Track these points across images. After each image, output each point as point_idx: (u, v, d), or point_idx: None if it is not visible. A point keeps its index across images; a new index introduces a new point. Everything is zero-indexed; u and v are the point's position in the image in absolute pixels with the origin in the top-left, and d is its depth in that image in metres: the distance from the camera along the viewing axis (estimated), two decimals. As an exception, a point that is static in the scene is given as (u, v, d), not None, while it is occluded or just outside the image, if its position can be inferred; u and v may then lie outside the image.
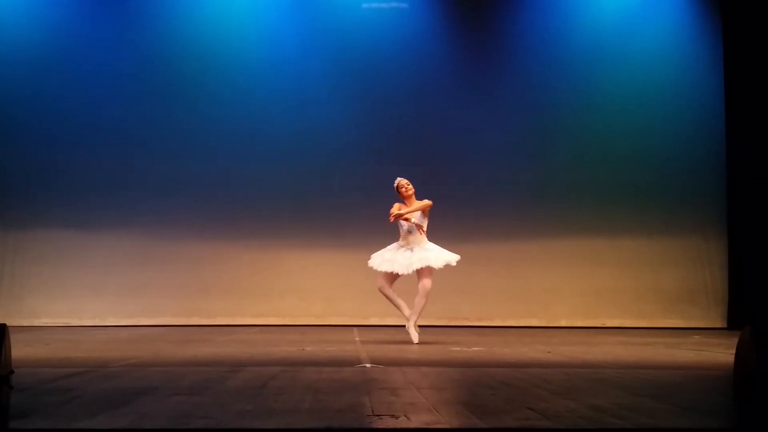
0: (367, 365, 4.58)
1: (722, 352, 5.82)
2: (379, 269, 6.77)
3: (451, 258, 6.72)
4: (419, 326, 6.88)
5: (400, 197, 7.00)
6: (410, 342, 6.66)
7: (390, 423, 2.61)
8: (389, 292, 6.85)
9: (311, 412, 2.82)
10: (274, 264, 10.24)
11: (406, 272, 6.68)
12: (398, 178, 7.02)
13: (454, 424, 2.63)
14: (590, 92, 10.51)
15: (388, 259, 6.76)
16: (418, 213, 6.83)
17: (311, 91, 10.39)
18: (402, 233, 6.90)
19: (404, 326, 6.86)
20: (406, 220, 6.81)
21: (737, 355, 2.75)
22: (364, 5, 10.53)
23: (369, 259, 6.98)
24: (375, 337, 7.59)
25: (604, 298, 10.24)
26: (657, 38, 10.54)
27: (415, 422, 2.63)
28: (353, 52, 10.44)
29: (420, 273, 6.72)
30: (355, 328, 9.17)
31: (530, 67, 10.53)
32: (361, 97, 10.38)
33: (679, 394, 3.49)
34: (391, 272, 6.71)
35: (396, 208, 6.87)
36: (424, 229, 6.84)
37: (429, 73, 10.48)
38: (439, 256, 6.70)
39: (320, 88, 10.39)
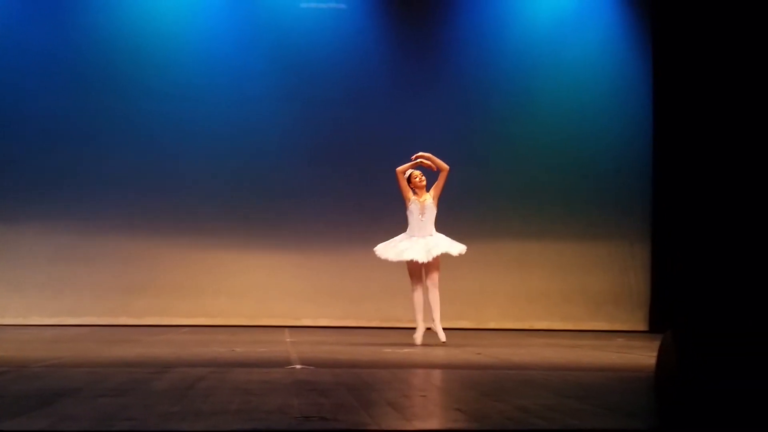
0: (298, 366, 4.56)
1: (644, 355, 5.98)
2: (399, 258, 6.69)
3: (462, 247, 6.78)
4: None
5: (412, 187, 6.96)
6: (414, 345, 6.72)
7: (319, 425, 2.60)
8: (420, 297, 6.77)
9: (239, 414, 2.79)
10: (205, 264, 10.10)
11: (426, 259, 6.63)
12: (412, 170, 7.00)
13: (383, 425, 2.64)
14: (522, 97, 10.67)
15: (406, 248, 6.69)
16: (431, 201, 6.86)
17: (247, 89, 10.28)
18: (414, 223, 6.83)
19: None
20: (428, 166, 6.81)
21: (659, 357, 2.84)
22: (302, 4, 10.48)
23: (373, 250, 6.94)
24: (306, 339, 7.56)
25: (533, 301, 10.42)
26: (589, 46, 10.78)
27: (344, 424, 2.62)
28: (291, 51, 10.37)
29: (430, 265, 6.70)
30: (286, 329, 9.11)
31: (465, 70, 10.64)
32: (297, 97, 10.32)
33: (603, 396, 3.57)
34: (418, 267, 6.67)
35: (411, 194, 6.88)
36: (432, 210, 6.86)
37: (366, 74, 10.49)
38: (453, 244, 6.75)
39: (257, 87, 10.29)
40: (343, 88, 10.39)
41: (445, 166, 6.93)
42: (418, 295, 6.81)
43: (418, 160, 6.95)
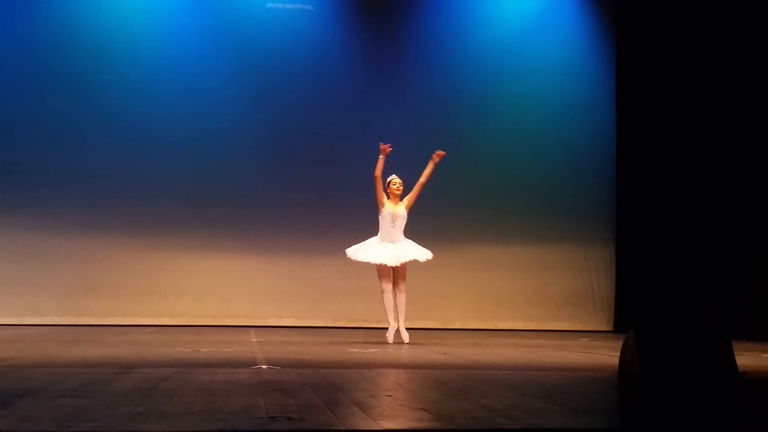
0: (263, 366, 4.53)
1: (607, 355, 6.06)
2: (369, 261, 6.92)
3: (429, 254, 7.06)
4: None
5: (388, 192, 7.16)
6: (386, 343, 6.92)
7: (284, 425, 2.59)
8: (390, 298, 6.99)
9: (203, 414, 2.76)
10: (169, 264, 10.01)
11: (395, 264, 6.90)
12: (394, 175, 7.19)
13: (349, 425, 2.63)
14: (486, 100, 10.75)
15: (376, 252, 6.94)
16: (404, 210, 7.10)
17: (212, 90, 10.22)
18: (385, 228, 7.05)
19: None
20: (434, 165, 7.09)
21: (621, 357, 2.87)
22: (269, 5, 10.43)
23: (345, 251, 7.16)
24: (272, 339, 7.52)
25: (497, 302, 10.51)
26: (552, 50, 10.89)
27: (311, 424, 2.61)
28: (256, 52, 10.33)
29: (398, 270, 6.97)
30: (252, 329, 9.06)
31: (429, 74, 10.69)
32: (263, 98, 10.28)
33: (566, 395, 3.61)
34: (388, 270, 6.92)
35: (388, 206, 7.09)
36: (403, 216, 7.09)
37: (332, 75, 10.49)
38: (421, 250, 7.02)
39: (221, 88, 10.23)
40: (308, 89, 10.37)
41: (427, 179, 7.14)
42: (388, 297, 7.00)
43: (437, 159, 7.13)
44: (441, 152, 7.15)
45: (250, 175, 10.16)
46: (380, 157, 7.07)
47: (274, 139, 10.22)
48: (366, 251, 7.00)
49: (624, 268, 10.57)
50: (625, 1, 10.75)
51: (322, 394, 3.34)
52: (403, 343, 6.95)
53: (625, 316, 10.26)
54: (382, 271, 6.99)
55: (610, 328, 10.54)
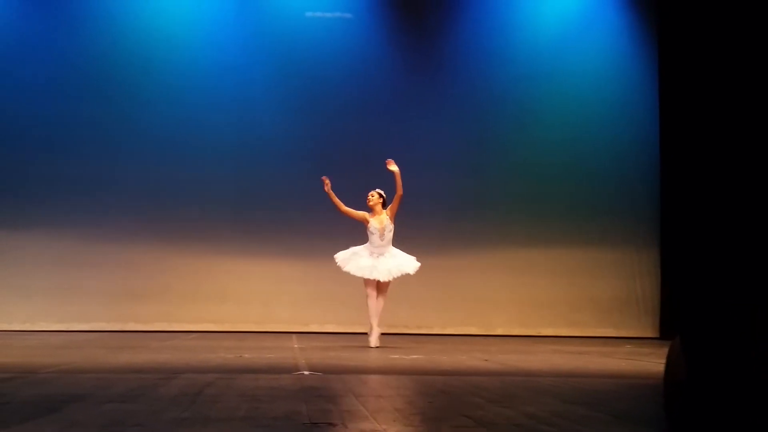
0: (305, 372, 4.55)
1: (653, 362, 5.96)
2: (361, 275, 7.18)
3: (418, 264, 7.29)
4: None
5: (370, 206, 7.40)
6: (368, 347, 7.08)
7: (327, 431, 2.60)
8: (375, 304, 7.22)
9: (247, 420, 2.79)
10: (212, 270, 10.11)
11: (387, 279, 7.17)
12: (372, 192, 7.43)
13: (391, 432, 2.63)
14: (527, 104, 10.67)
15: (367, 266, 7.17)
16: (389, 221, 7.29)
17: (253, 98, 10.32)
18: (374, 241, 7.26)
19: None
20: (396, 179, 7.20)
21: (667, 365, 2.82)
22: (308, 14, 10.50)
23: (334, 259, 7.39)
24: (314, 344, 7.55)
25: (539, 308, 10.40)
26: (593, 52, 10.78)
27: (352, 430, 2.62)
28: (296, 61, 10.39)
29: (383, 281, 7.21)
30: (294, 335, 9.11)
31: (470, 79, 10.65)
32: (301, 106, 10.34)
33: (611, 403, 3.56)
34: (373, 280, 7.16)
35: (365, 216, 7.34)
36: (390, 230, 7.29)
37: (370, 83, 10.51)
38: (410, 262, 7.27)
39: (262, 96, 10.32)
40: (348, 96, 10.41)
41: (401, 190, 7.27)
42: (373, 302, 7.25)
43: (390, 166, 7.30)
44: (393, 168, 7.27)
45: (292, 180, 10.22)
46: (327, 193, 7.33)
47: (315, 146, 10.28)
48: (358, 264, 7.20)
49: (670, 272, 10.38)
50: (667, 2, 10.59)
51: (363, 401, 3.35)
52: (372, 346, 7.12)
53: (672, 322, 10.07)
54: (369, 280, 7.21)
55: (656, 335, 10.37)
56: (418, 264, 7.30)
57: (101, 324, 9.66)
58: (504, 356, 6.51)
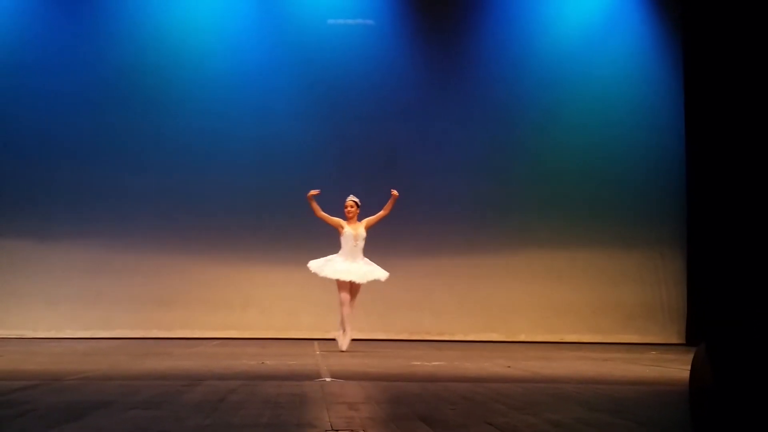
0: (327, 379, 4.56)
1: (678, 368, 5.90)
2: (338, 277, 7.49)
3: (386, 273, 7.66)
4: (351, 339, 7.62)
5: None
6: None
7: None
8: (349, 309, 7.52)
9: (270, 427, 2.79)
10: (235, 277, 10.16)
11: (362, 281, 7.47)
12: (350, 196, 7.70)
13: (414, 439, 2.62)
14: (551, 109, 10.64)
15: (343, 269, 7.49)
16: (364, 231, 7.64)
17: (274, 105, 10.37)
18: (347, 248, 7.57)
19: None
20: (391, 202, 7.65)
21: (692, 371, 2.79)
22: (329, 21, 10.54)
23: (307, 265, 7.69)
24: (336, 351, 7.56)
25: (563, 313, 10.34)
26: (617, 57, 10.73)
27: (375, 437, 2.62)
28: (318, 69, 10.44)
29: (356, 285, 7.54)
30: (315, 342, 9.12)
31: (492, 84, 10.63)
32: (324, 113, 10.38)
33: (636, 410, 3.53)
34: (347, 285, 7.49)
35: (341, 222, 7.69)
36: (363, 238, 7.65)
37: (393, 90, 10.53)
38: (381, 271, 7.63)
39: (283, 103, 10.38)
40: (370, 103, 10.44)
41: (389, 212, 7.69)
42: (347, 308, 7.56)
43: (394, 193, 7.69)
44: (395, 192, 7.66)
45: (315, 187, 10.17)
46: (308, 198, 7.63)
47: (338, 153, 10.31)
48: (334, 268, 7.53)
49: (695, 277, 10.28)
50: (692, 6, 10.51)
51: (386, 408, 3.34)
52: (339, 350, 7.37)
53: (698, 328, 9.96)
54: (342, 285, 7.54)
55: (682, 341, 10.26)
56: (387, 273, 7.62)
57: (125, 331, 9.74)
58: (527, 362, 6.47)
